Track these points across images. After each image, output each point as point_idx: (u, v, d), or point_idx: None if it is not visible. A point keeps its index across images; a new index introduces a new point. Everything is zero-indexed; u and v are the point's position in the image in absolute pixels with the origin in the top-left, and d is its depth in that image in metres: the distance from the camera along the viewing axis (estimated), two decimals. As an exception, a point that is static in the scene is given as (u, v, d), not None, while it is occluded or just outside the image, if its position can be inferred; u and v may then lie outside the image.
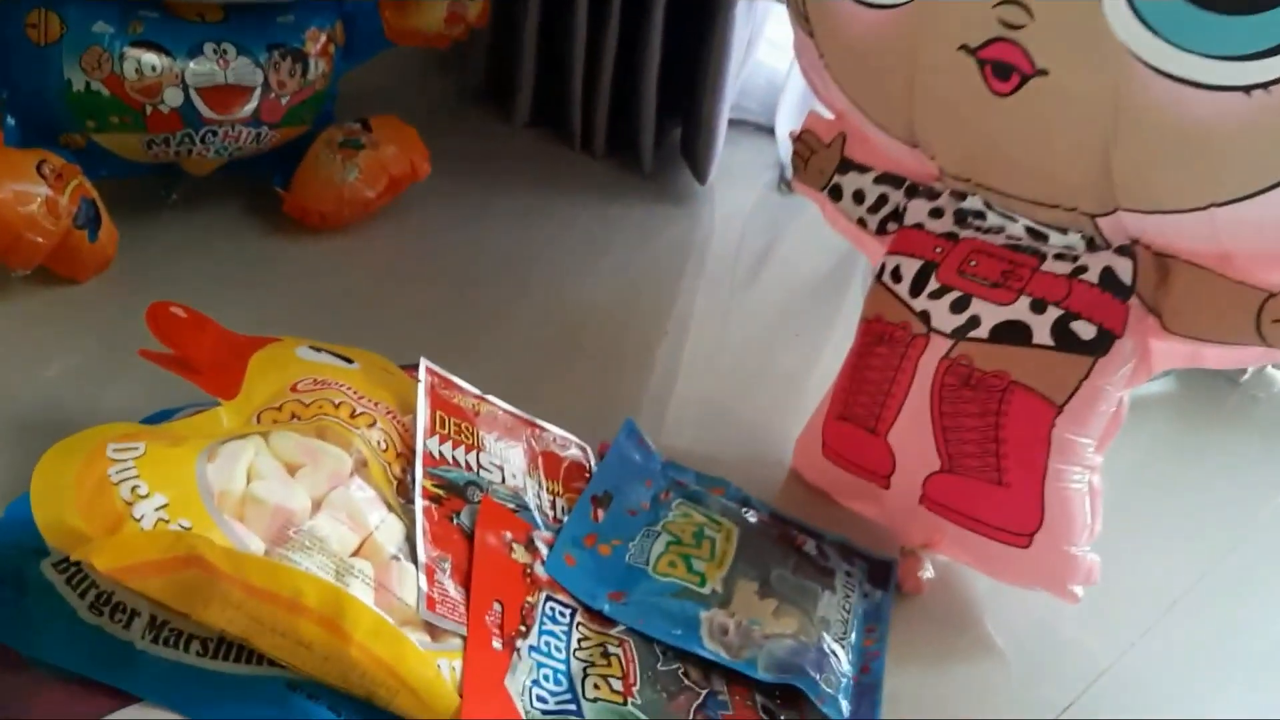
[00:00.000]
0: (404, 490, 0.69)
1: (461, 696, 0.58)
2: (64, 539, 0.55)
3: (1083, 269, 0.72)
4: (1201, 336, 0.70)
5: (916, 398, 0.77)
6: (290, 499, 0.62)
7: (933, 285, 0.77)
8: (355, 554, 0.62)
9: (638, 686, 0.66)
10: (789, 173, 1.30)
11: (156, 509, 0.57)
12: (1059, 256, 0.73)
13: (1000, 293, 0.74)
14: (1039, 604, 0.81)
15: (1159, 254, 0.70)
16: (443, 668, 0.59)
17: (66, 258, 0.93)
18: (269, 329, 0.81)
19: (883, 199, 0.84)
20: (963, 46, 0.70)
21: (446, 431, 0.74)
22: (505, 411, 0.82)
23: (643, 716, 0.64)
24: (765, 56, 1.38)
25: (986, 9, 0.68)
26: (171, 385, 0.73)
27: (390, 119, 1.13)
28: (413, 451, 0.71)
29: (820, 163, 0.87)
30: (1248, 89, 0.60)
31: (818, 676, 0.68)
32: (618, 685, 0.65)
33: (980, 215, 0.76)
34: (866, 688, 0.72)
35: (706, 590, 0.74)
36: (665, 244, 1.23)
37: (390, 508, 0.66)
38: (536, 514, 0.74)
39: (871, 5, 0.74)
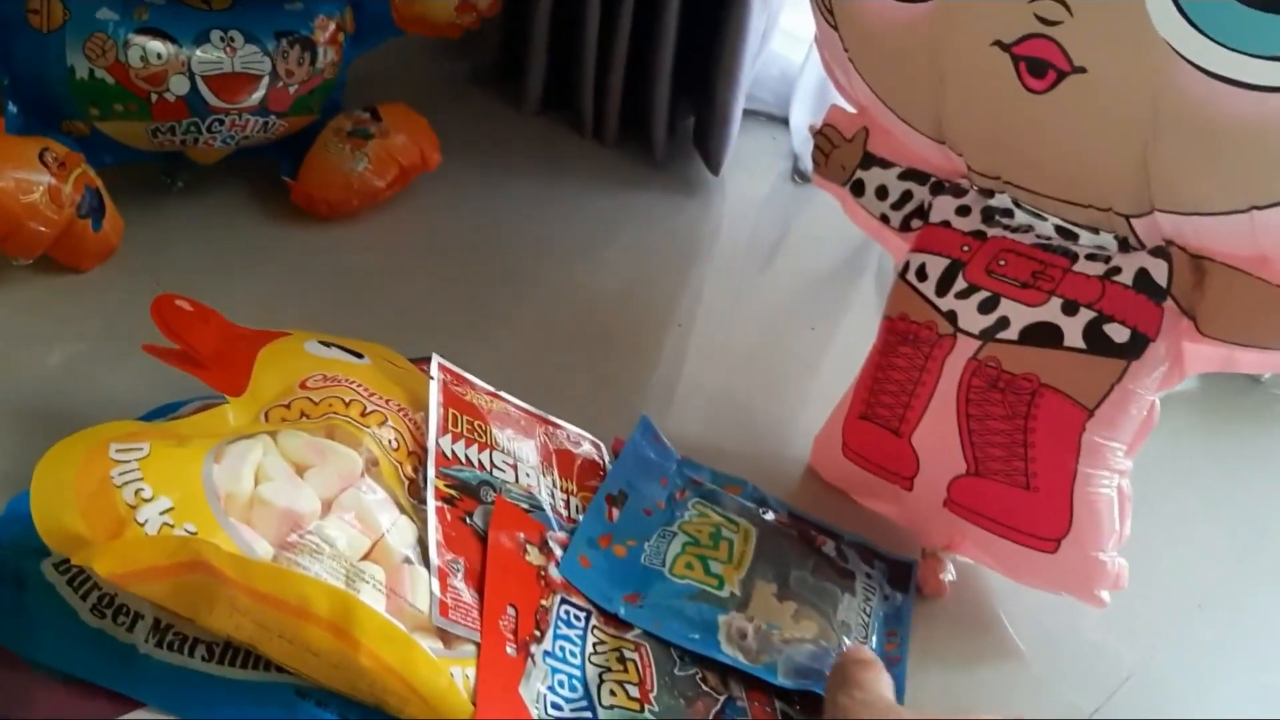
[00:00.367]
0: (416, 490, 0.67)
1: (474, 705, 0.57)
2: (64, 542, 0.54)
3: (1116, 270, 0.70)
4: (1237, 340, 0.68)
5: (942, 399, 0.75)
6: (299, 501, 0.61)
7: (960, 284, 0.75)
8: (365, 557, 0.61)
9: (655, 693, 0.65)
10: (803, 164, 1.30)
11: (161, 513, 0.55)
12: (1091, 257, 0.72)
13: (1030, 293, 0.72)
14: (1062, 606, 0.80)
15: (1195, 255, 0.68)
16: (455, 676, 0.57)
17: (69, 247, 0.91)
18: (275, 319, 0.80)
19: (907, 195, 0.82)
20: (996, 42, 0.68)
21: (459, 430, 0.72)
22: (518, 408, 0.80)
23: None
24: (779, 47, 1.36)
25: (1022, 4, 0.66)
26: (176, 376, 0.71)
27: (400, 107, 1.11)
28: (424, 449, 0.70)
29: (842, 157, 0.85)
30: (1294, 89, 0.58)
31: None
32: (634, 692, 0.64)
33: (1008, 213, 0.75)
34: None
35: (724, 593, 0.72)
36: (676, 234, 1.21)
37: (402, 509, 0.65)
38: (550, 514, 0.73)
39: (901, -1, 0.73)
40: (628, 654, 0.66)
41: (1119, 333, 0.69)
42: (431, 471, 0.68)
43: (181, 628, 0.56)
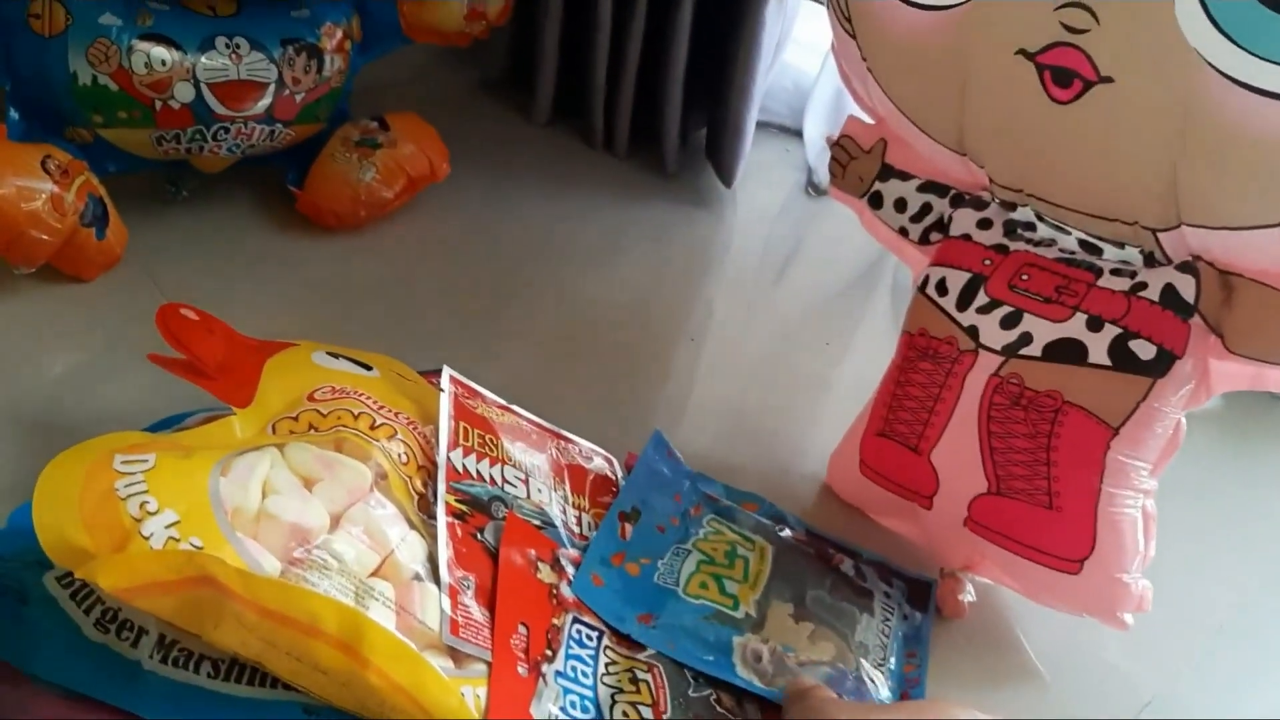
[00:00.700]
0: (425, 505, 0.66)
1: (485, 726, 0.56)
2: (67, 555, 0.53)
3: (1142, 285, 0.69)
4: (1266, 358, 0.67)
5: (963, 416, 0.74)
6: (307, 515, 0.59)
7: (981, 299, 0.74)
8: (375, 574, 0.59)
9: (668, 714, 0.63)
10: (817, 176, 1.29)
11: (166, 526, 0.54)
12: (1116, 272, 0.70)
13: (1054, 309, 0.71)
14: (1082, 627, 0.78)
15: (1223, 271, 0.67)
16: (466, 695, 0.56)
17: (72, 256, 0.90)
18: (281, 330, 0.79)
19: (926, 208, 0.81)
20: (1020, 51, 0.67)
21: (470, 444, 0.71)
22: (530, 422, 0.79)
23: None
24: (793, 57, 1.36)
25: (1048, 11, 0.65)
26: (180, 387, 0.70)
27: (409, 116, 1.10)
28: (434, 464, 0.68)
29: (859, 169, 0.84)
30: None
31: (856, 707, 0.66)
32: (647, 713, 0.63)
33: (1031, 227, 0.74)
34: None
35: (740, 614, 0.71)
36: (689, 247, 1.20)
37: (411, 524, 0.63)
38: (562, 530, 0.71)
39: (922, 6, 0.71)
40: (640, 675, 0.65)
41: (1145, 349, 0.68)
42: (442, 486, 0.66)
43: (187, 644, 0.55)
